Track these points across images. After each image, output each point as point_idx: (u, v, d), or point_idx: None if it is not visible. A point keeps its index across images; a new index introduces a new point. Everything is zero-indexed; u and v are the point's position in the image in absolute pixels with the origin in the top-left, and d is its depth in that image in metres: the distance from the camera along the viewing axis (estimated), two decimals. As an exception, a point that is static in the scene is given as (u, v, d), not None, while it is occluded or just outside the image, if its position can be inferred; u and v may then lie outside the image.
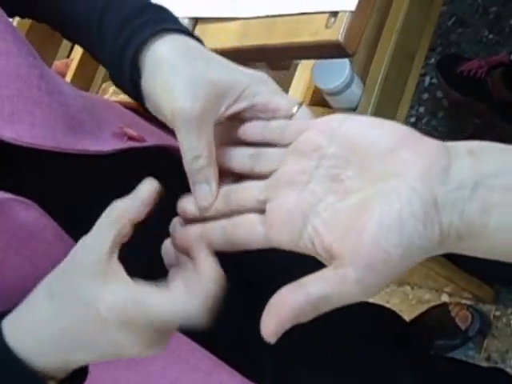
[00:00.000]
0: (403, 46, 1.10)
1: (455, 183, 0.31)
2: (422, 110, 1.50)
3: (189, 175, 0.40)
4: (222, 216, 0.39)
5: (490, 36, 1.47)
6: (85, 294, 0.37)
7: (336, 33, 0.71)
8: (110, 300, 0.36)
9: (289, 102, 0.41)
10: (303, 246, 0.35)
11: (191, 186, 0.40)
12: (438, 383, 0.95)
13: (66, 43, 1.21)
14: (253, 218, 0.38)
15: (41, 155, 0.43)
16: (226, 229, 0.38)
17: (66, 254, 0.43)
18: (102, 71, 1.17)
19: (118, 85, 0.48)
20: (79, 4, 0.48)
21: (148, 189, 0.39)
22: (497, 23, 1.47)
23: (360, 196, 0.33)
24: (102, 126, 0.51)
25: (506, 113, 1.33)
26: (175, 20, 0.46)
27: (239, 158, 0.40)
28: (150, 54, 0.42)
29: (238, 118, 0.41)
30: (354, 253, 0.32)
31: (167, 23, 0.44)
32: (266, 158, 0.39)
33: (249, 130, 0.41)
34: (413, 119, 1.50)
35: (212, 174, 0.40)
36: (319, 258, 0.35)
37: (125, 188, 0.52)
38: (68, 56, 1.21)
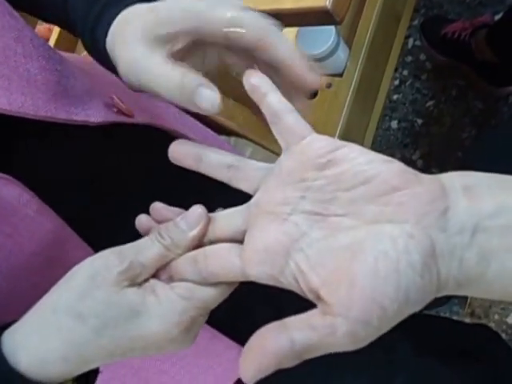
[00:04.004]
0: (389, 8, 1.09)
1: (454, 227, 0.28)
2: (405, 72, 1.50)
3: (181, 95, 0.36)
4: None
5: (473, -4, 1.47)
6: (123, 303, 0.35)
7: (323, -1, 0.69)
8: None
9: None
10: (286, 283, 0.32)
11: (187, 104, 0.36)
12: (424, 339, 0.97)
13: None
14: (228, 248, 0.35)
15: (20, 124, 0.41)
16: (197, 260, 0.35)
17: (50, 229, 0.42)
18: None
19: (92, 55, 0.46)
20: None
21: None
22: (479, -17, 1.46)
23: (350, 236, 0.30)
24: (92, 94, 0.48)
25: (490, 74, 1.33)
26: None
27: (217, 167, 0.37)
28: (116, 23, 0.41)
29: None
30: (346, 305, 0.29)
31: None
32: (244, 176, 0.36)
33: (249, 88, 0.37)
34: (396, 82, 1.50)
35: (206, 80, 0.36)
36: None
37: (111, 161, 0.51)
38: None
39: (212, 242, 0.36)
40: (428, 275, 0.28)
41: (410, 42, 1.50)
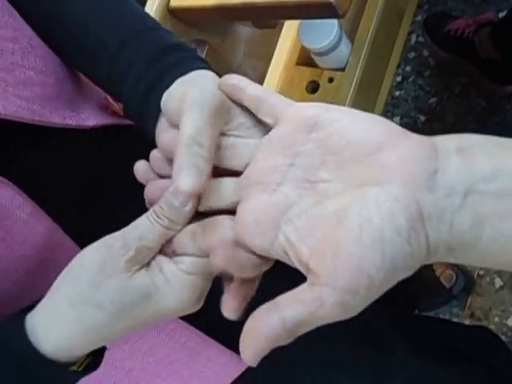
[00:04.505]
0: (392, 3, 1.08)
1: (443, 189, 0.27)
2: (408, 68, 1.49)
3: (179, 155, 0.35)
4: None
5: (477, -7, 1.45)
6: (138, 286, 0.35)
7: (327, -9, 0.68)
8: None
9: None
10: (277, 256, 0.32)
11: (176, 166, 0.35)
12: (423, 341, 0.96)
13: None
14: (222, 221, 0.35)
15: (14, 128, 0.40)
16: (196, 234, 0.35)
17: (42, 233, 0.41)
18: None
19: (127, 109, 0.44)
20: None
21: None
22: (484, -20, 1.44)
23: (337, 203, 0.29)
24: (86, 96, 0.48)
25: (493, 72, 1.32)
26: (194, 57, 0.43)
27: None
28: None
29: None
30: (332, 275, 0.28)
31: (190, 63, 0.41)
32: (234, 154, 0.37)
33: (229, 89, 0.37)
34: (399, 78, 1.49)
35: (206, 166, 0.35)
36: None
37: (108, 163, 0.50)
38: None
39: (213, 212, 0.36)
40: (416, 241, 0.27)
41: (413, 38, 1.48)
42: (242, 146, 0.37)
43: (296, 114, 0.33)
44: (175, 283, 0.35)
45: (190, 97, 0.36)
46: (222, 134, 0.37)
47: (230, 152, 0.37)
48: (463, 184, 0.27)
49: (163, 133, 0.39)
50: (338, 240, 0.28)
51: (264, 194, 0.33)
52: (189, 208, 0.35)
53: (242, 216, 0.33)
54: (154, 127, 0.40)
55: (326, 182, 0.31)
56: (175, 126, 0.38)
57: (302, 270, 0.30)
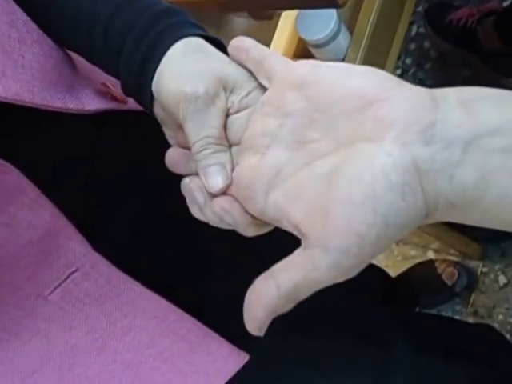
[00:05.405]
0: (393, -7, 1.05)
1: (441, 142, 0.26)
2: (408, 61, 1.46)
3: (198, 163, 0.36)
4: None
5: (480, -18, 1.42)
6: None
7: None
8: None
9: None
10: (271, 221, 0.32)
11: (200, 172, 0.36)
12: (425, 339, 0.95)
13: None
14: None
15: (14, 112, 0.40)
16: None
17: (46, 219, 0.41)
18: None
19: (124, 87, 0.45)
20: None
21: None
22: (487, -32, 1.41)
23: (327, 164, 0.29)
24: (85, 82, 0.48)
25: (497, 63, 1.29)
26: (189, 22, 0.43)
27: None
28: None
29: None
30: (323, 236, 0.27)
31: (184, 29, 0.41)
32: (231, 126, 0.37)
33: (235, 51, 0.37)
34: (399, 71, 1.46)
35: (226, 157, 0.36)
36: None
37: (108, 149, 0.50)
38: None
39: None
40: (411, 196, 0.26)
41: (414, 28, 1.46)
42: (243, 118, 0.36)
43: (284, 73, 0.33)
44: None
45: (184, 106, 0.36)
46: (230, 113, 0.37)
47: (235, 128, 0.37)
48: (463, 137, 0.25)
49: (178, 134, 0.40)
50: (328, 200, 0.27)
51: (254, 157, 0.33)
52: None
53: (235, 181, 0.34)
54: (152, 106, 0.41)
55: (316, 141, 0.30)
56: (172, 114, 0.38)
57: (298, 235, 0.30)
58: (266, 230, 0.35)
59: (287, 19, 1.05)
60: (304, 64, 0.32)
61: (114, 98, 0.49)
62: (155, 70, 0.38)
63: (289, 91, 0.32)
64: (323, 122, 0.29)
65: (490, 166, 0.25)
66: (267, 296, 0.29)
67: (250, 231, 0.34)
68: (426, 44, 1.44)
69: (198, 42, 0.39)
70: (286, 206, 0.30)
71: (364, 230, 0.26)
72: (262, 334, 0.30)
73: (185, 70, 0.37)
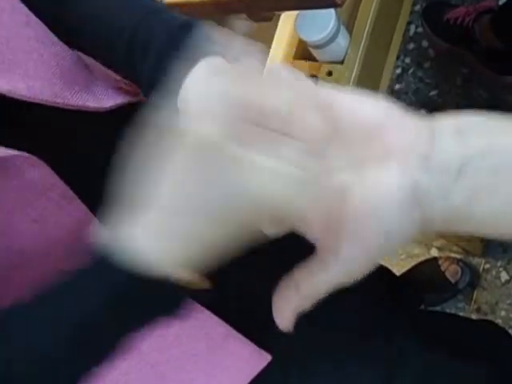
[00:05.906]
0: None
1: (439, 168, 0.29)
2: (407, 60, 1.46)
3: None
4: None
5: (477, -20, 1.43)
6: None
7: (324, -20, 0.66)
8: None
9: None
10: (288, 224, 0.34)
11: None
12: (430, 336, 0.95)
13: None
14: None
15: (34, 110, 0.41)
16: None
17: (74, 215, 0.42)
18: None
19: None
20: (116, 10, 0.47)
21: None
22: (483, -33, 1.42)
23: (341, 180, 0.32)
24: (99, 79, 0.48)
25: (495, 61, 1.29)
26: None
27: None
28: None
29: None
30: (335, 248, 0.31)
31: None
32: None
33: None
34: (398, 70, 1.46)
35: None
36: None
37: (125, 143, 0.50)
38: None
39: None
40: (411, 215, 0.30)
41: (412, 28, 1.46)
42: None
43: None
44: None
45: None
46: None
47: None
48: (458, 162, 0.29)
49: None
50: (340, 215, 0.31)
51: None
52: None
53: None
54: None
55: (333, 158, 0.32)
56: None
57: (312, 240, 0.33)
58: (283, 231, 0.36)
59: (287, 21, 1.05)
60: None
61: (128, 92, 0.50)
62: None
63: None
64: (339, 140, 0.32)
65: (478, 186, 0.29)
66: (292, 303, 0.33)
67: (270, 230, 0.36)
68: (425, 43, 1.45)
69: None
70: (305, 213, 0.32)
71: (370, 243, 0.30)
72: (291, 329, 0.34)
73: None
